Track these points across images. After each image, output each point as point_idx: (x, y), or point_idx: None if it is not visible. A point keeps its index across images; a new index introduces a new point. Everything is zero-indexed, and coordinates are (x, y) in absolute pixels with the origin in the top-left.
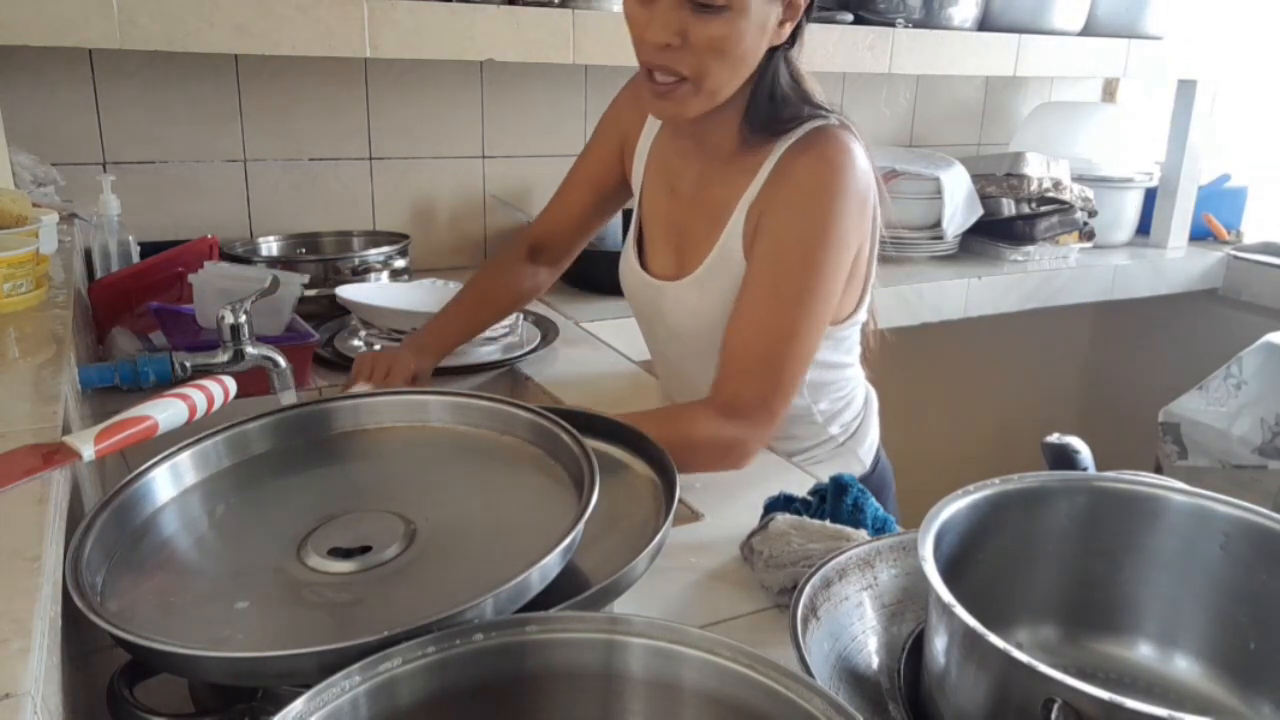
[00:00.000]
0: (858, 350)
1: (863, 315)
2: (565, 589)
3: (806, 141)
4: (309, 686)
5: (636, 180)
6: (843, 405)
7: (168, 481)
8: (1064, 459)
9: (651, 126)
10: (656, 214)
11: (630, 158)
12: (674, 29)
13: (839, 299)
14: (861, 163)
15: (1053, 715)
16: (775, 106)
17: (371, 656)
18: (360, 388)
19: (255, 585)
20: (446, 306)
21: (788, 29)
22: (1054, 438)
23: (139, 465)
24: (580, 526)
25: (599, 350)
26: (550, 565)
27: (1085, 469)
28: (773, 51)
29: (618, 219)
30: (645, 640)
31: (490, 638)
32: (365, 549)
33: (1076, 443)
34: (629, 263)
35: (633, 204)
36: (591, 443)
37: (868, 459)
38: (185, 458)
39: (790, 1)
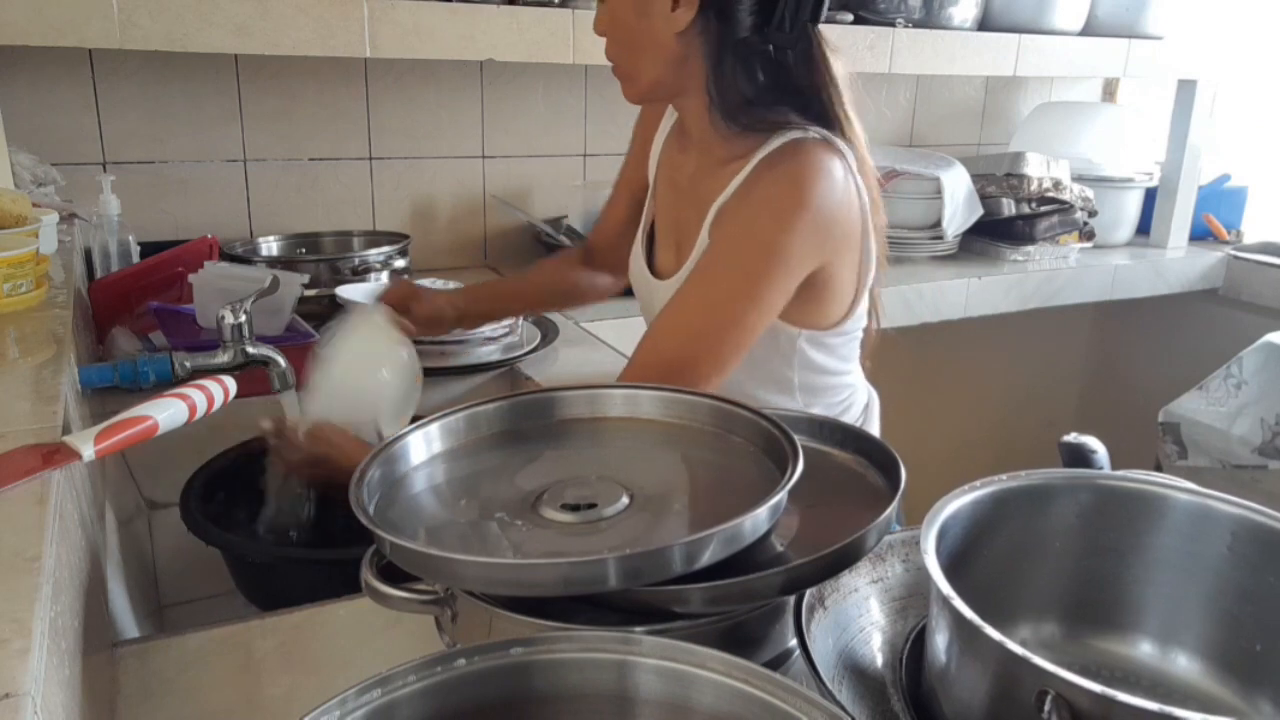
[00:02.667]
0: (856, 355)
1: (854, 325)
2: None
3: (780, 154)
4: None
5: (651, 176)
6: (841, 410)
7: (421, 446)
8: (1080, 459)
9: (666, 124)
10: (664, 210)
11: (649, 156)
12: (598, 20)
13: (812, 300)
14: (834, 180)
15: (1046, 707)
16: (738, 100)
17: (363, 682)
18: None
19: (497, 525)
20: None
21: (683, 15)
22: (1071, 437)
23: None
24: (784, 493)
25: (599, 350)
26: (760, 517)
27: (1101, 469)
28: (710, 38)
29: None
30: (657, 661)
31: (490, 658)
32: (592, 505)
33: (1093, 442)
34: (636, 260)
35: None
36: (816, 446)
37: None
38: (434, 429)
39: None
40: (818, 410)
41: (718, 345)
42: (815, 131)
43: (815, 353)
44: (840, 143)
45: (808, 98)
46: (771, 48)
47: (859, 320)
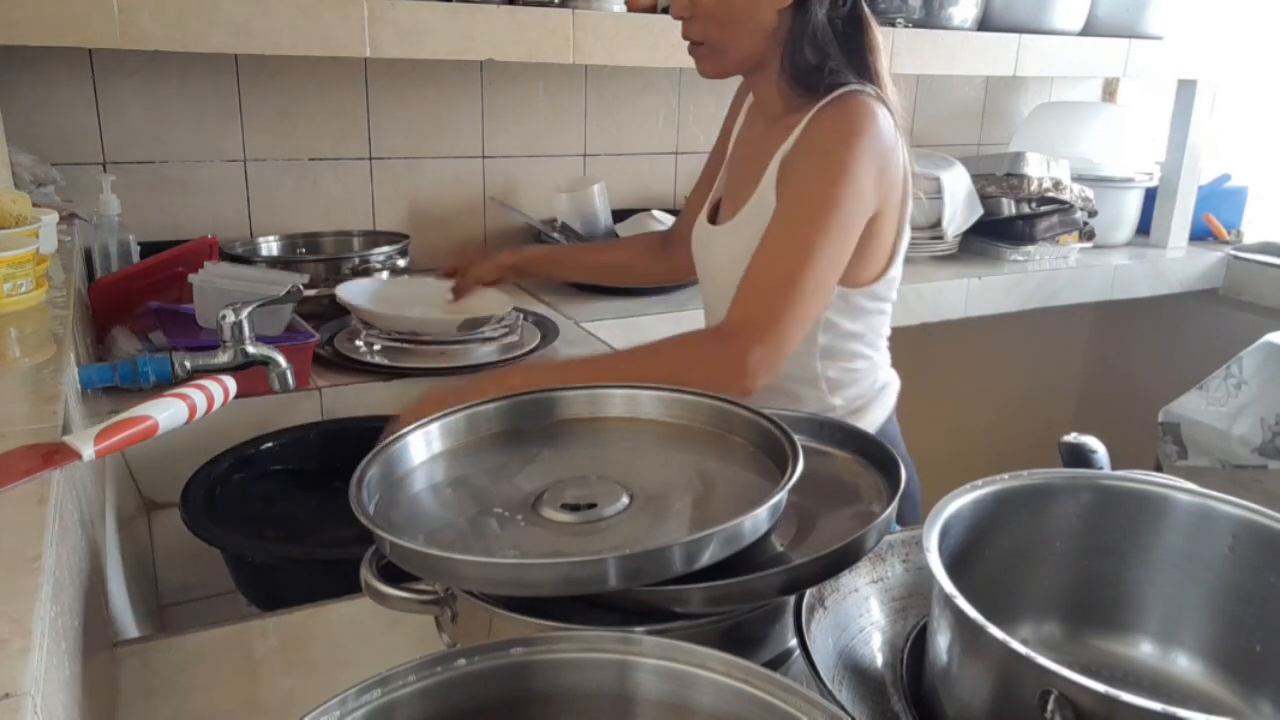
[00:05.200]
0: (883, 331)
1: (885, 290)
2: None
3: (836, 101)
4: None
5: (729, 152)
6: (851, 379)
7: (421, 446)
8: (1080, 459)
9: (745, 106)
10: (731, 172)
11: (731, 135)
12: (682, 3)
13: (855, 250)
14: (884, 125)
15: (1049, 707)
16: (809, 67)
17: (363, 682)
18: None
19: (497, 524)
20: None
21: None
22: (1071, 437)
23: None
24: (784, 492)
25: (599, 350)
26: (760, 517)
27: (1101, 469)
28: (800, 12)
29: (609, 218)
30: (657, 661)
31: (490, 658)
32: (592, 505)
33: (1093, 442)
34: (701, 216)
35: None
36: (816, 446)
37: None
38: (434, 429)
39: None
40: (830, 373)
41: (814, 271)
42: (870, 88)
43: (840, 310)
44: (889, 101)
45: (858, 62)
46: (828, 16)
47: (890, 285)
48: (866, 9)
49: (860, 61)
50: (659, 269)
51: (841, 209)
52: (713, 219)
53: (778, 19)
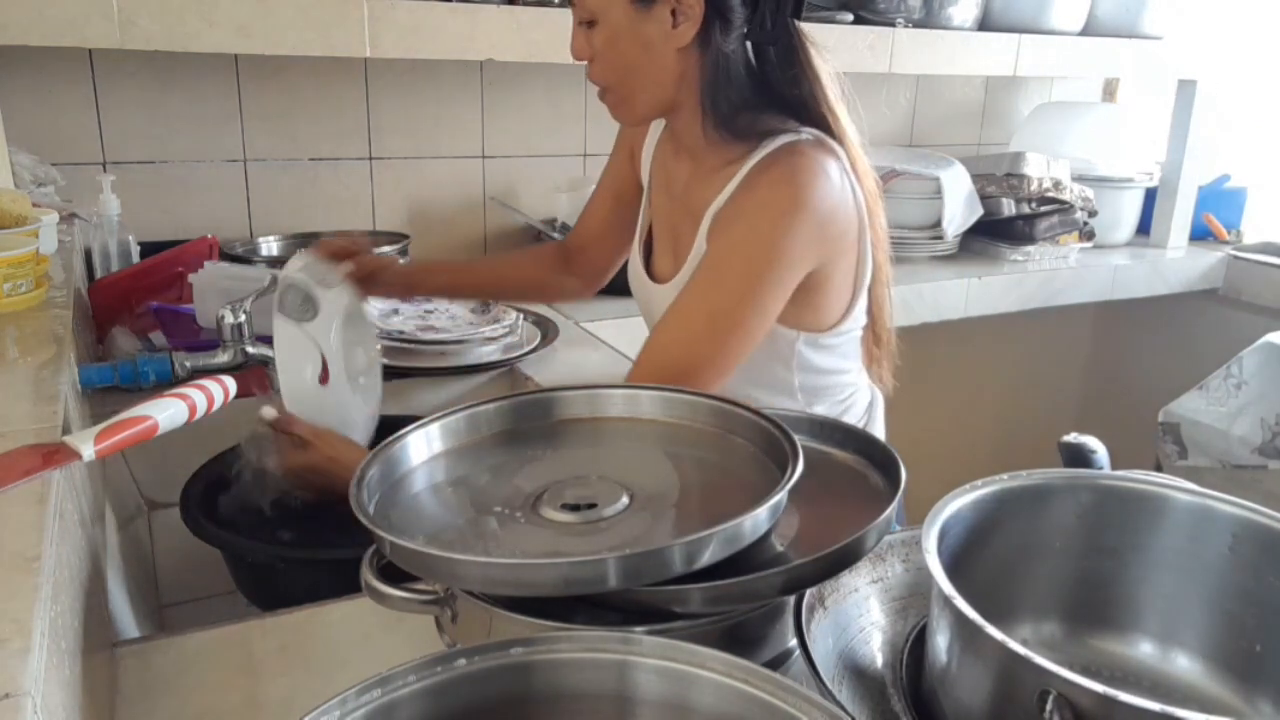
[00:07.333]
0: (857, 354)
1: (852, 325)
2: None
3: (774, 156)
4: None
5: (645, 182)
6: (843, 410)
7: (421, 446)
8: (1080, 459)
9: (655, 129)
10: (659, 215)
11: (639, 162)
12: (579, 45)
13: (808, 303)
14: (825, 182)
15: (1048, 707)
16: (731, 111)
17: (363, 682)
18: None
19: (497, 524)
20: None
21: (687, 30)
22: (1071, 437)
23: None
24: (784, 493)
25: (599, 350)
26: (760, 517)
27: (1101, 469)
28: (705, 49)
29: None
30: (657, 661)
31: (490, 658)
32: (592, 505)
33: (1093, 442)
34: (634, 265)
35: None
36: (816, 446)
37: None
38: (434, 429)
39: (678, 5)
40: (820, 410)
41: (720, 350)
42: (808, 133)
43: (814, 354)
44: (833, 142)
45: (793, 97)
46: (751, 45)
47: (857, 320)
48: (798, 31)
49: (795, 96)
50: (567, 283)
51: (764, 290)
52: (648, 268)
53: (680, 60)
